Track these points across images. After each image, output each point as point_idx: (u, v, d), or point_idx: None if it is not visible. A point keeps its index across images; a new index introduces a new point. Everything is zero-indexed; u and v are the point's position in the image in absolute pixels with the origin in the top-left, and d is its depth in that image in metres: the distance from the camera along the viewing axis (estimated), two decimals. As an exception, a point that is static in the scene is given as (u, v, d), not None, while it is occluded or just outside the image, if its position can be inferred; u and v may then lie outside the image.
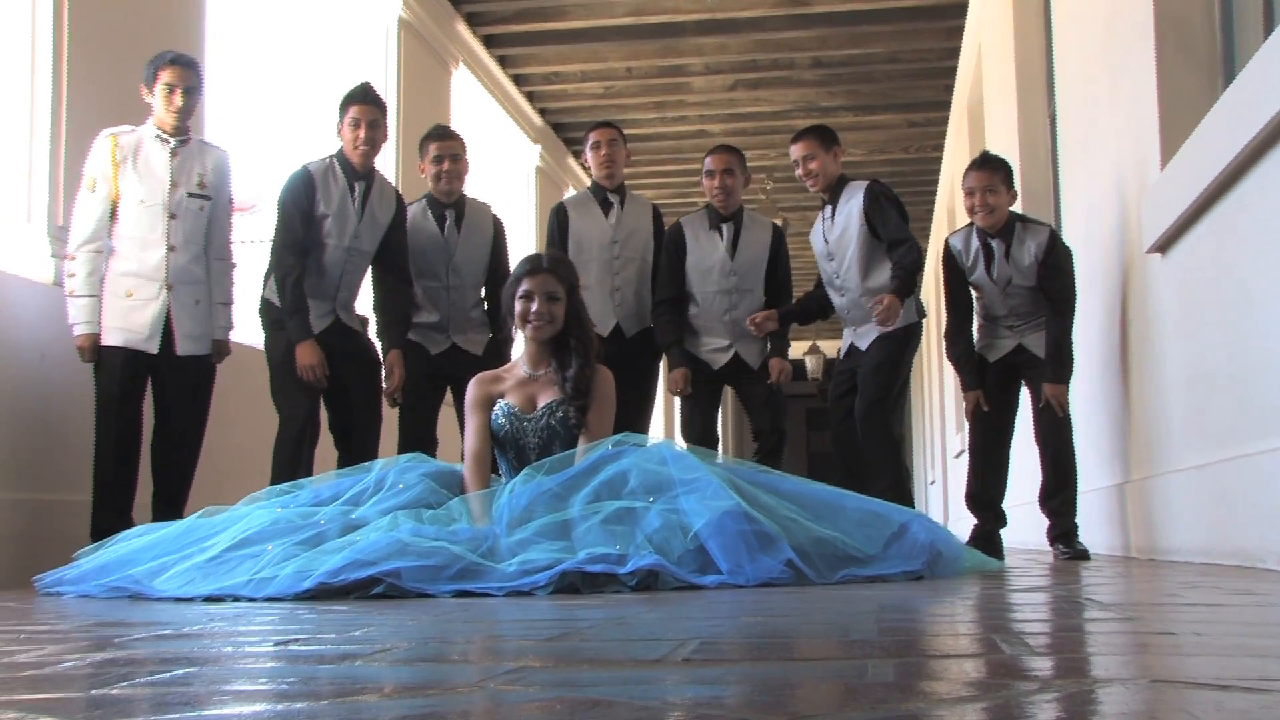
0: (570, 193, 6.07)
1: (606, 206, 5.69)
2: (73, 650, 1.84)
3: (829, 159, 5.43)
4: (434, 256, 5.40)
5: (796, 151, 5.48)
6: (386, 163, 7.36)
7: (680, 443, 4.99)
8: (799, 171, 5.50)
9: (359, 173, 5.05)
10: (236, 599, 3.19)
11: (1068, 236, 6.39)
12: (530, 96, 10.96)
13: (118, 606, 3.08)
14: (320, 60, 8.43)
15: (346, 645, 1.86)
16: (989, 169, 5.19)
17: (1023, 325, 5.21)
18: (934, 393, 16.20)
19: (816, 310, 5.74)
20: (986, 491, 5.36)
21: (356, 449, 4.92)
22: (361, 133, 5.00)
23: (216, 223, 4.78)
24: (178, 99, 4.64)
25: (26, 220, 4.79)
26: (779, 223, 5.67)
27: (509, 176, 11.38)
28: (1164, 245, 4.48)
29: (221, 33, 6.13)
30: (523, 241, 10.21)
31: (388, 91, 8.10)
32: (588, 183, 6.02)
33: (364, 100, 5.07)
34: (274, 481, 4.57)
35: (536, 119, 11.28)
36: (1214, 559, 3.96)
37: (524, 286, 4.07)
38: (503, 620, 2.37)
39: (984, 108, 9.67)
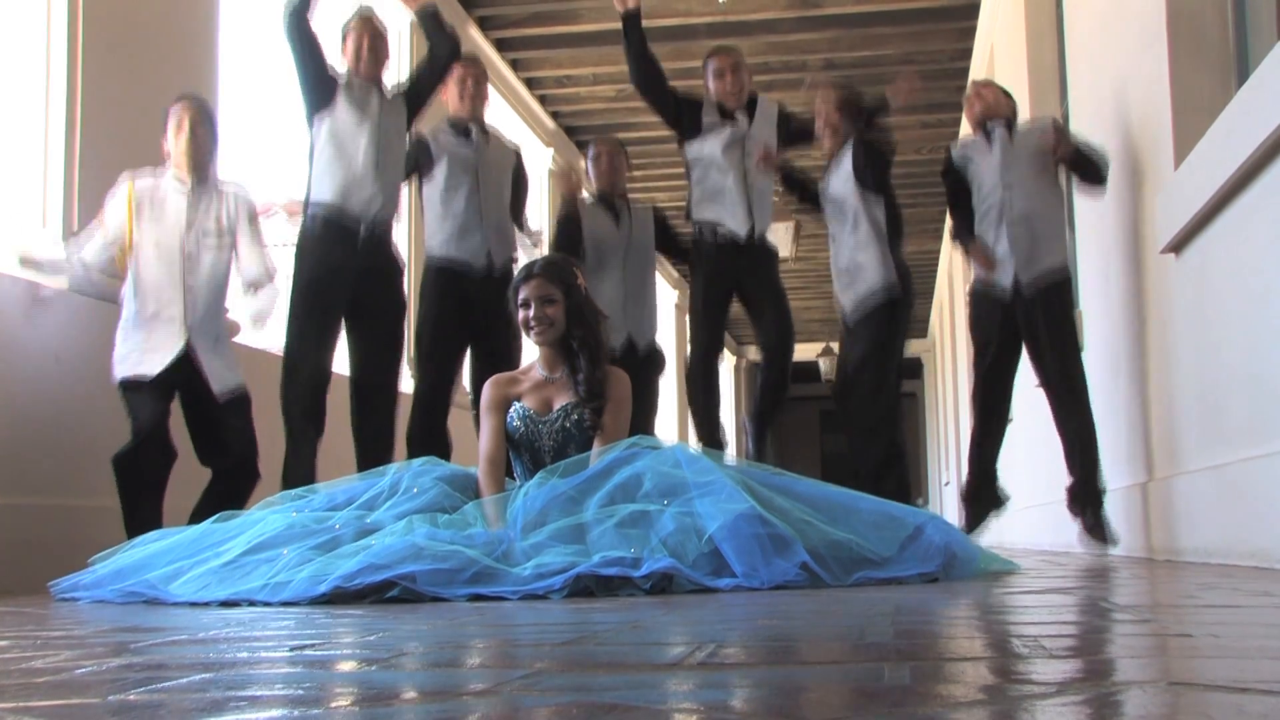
0: (584, 195, 6.19)
1: (616, 219, 5.75)
2: (90, 656, 1.85)
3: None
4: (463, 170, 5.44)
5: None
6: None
7: (693, 445, 5.02)
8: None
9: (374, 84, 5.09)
10: (252, 603, 3.19)
11: (1081, 237, 6.38)
12: (542, 99, 10.96)
13: (134, 611, 3.09)
14: (333, 64, 8.40)
15: (362, 650, 1.87)
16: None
17: (1022, 248, 5.17)
18: (948, 391, 16.17)
19: (809, 192, 5.86)
20: (985, 451, 5.41)
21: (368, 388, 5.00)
22: (365, 49, 5.04)
23: (244, 247, 4.77)
24: (185, 132, 4.62)
25: (41, 225, 4.81)
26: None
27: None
28: (1178, 245, 4.46)
29: (234, 31, 6.13)
30: (536, 245, 10.21)
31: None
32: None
33: (361, 21, 5.12)
34: (288, 422, 4.81)
35: (549, 122, 11.28)
36: (1231, 560, 3.94)
37: (521, 295, 4.08)
38: (518, 624, 2.37)
39: (997, 108, 9.64)
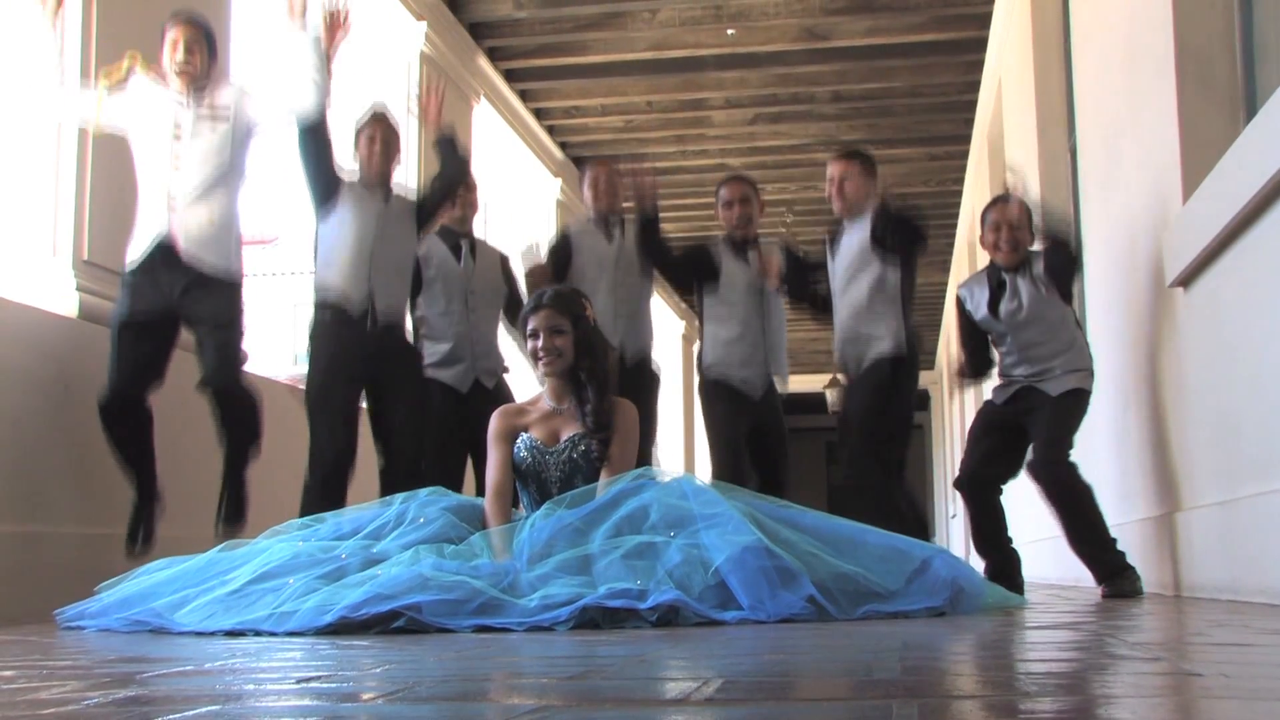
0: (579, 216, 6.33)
1: (609, 234, 5.75)
2: (95, 687, 1.84)
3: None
4: (451, 283, 5.43)
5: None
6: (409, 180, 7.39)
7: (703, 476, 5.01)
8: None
9: (382, 185, 5.07)
10: (258, 633, 3.19)
11: (1089, 269, 6.38)
12: (551, 130, 11.01)
13: (139, 641, 3.09)
14: (342, 95, 8.45)
15: (368, 683, 1.86)
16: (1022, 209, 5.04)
17: (1036, 368, 4.99)
18: (953, 423, 16.13)
19: (817, 296, 5.63)
20: (988, 539, 5.20)
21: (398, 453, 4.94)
22: (377, 147, 5.03)
23: (236, 144, 4.62)
24: (180, 53, 4.51)
25: (52, 254, 4.82)
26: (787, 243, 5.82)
27: (530, 209, 11.44)
28: (1186, 279, 4.46)
29: (244, 58, 6.19)
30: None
31: (409, 125, 8.15)
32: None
33: (375, 119, 5.11)
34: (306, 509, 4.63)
35: (557, 153, 11.33)
36: (1241, 596, 3.92)
37: (530, 325, 4.09)
38: (523, 657, 2.36)
39: (1004, 141, 9.67)
